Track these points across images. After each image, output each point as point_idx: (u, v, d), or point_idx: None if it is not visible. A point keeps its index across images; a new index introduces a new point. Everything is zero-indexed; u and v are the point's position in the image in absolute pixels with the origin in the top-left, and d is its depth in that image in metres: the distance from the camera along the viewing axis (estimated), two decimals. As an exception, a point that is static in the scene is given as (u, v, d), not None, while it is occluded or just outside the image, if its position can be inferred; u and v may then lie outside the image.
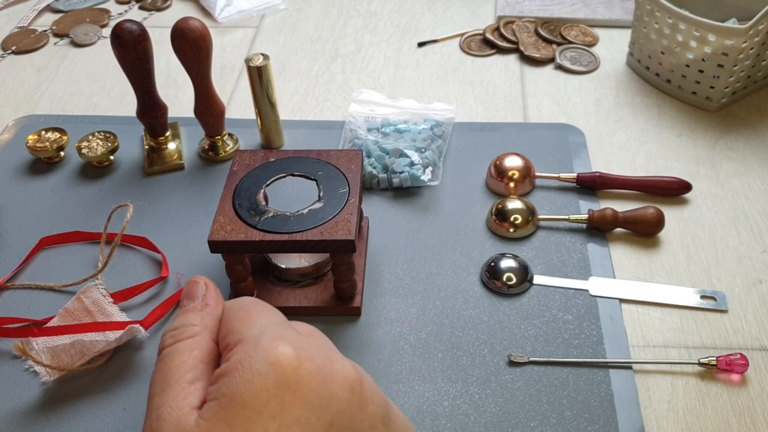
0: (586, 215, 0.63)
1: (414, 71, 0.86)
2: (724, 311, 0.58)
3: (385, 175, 0.68)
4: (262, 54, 0.68)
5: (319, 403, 0.29)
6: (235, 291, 0.57)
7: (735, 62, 0.72)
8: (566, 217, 0.64)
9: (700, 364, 0.53)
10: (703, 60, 0.75)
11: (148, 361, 0.55)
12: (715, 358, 0.53)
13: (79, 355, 0.54)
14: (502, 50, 0.89)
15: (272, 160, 0.58)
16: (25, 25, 0.98)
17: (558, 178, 0.68)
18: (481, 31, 0.92)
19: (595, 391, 0.52)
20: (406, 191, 0.68)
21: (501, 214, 0.64)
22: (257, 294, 0.58)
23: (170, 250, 0.64)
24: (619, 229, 0.64)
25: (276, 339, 0.30)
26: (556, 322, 0.57)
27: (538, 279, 0.60)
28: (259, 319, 0.33)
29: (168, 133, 0.73)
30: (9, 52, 0.93)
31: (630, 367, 0.54)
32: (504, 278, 0.59)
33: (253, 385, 0.28)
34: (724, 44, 0.72)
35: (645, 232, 0.63)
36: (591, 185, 0.67)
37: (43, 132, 0.74)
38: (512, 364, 0.54)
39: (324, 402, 0.29)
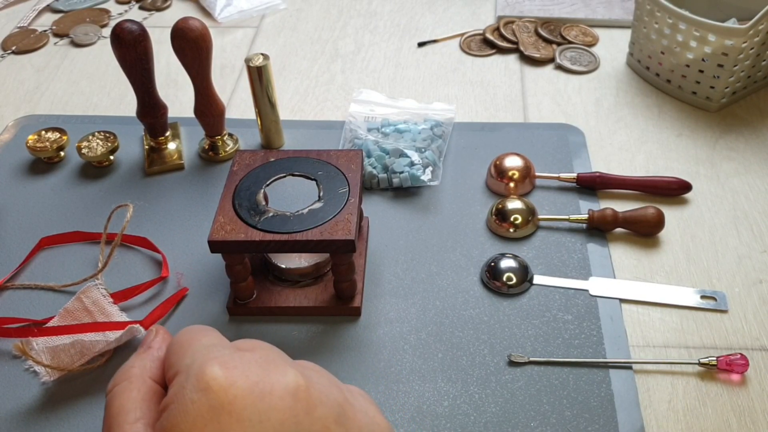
0: (586, 215, 0.63)
1: (414, 71, 0.86)
2: (724, 311, 0.58)
3: (385, 175, 0.68)
4: (262, 54, 0.68)
5: (258, 418, 0.29)
6: (235, 291, 0.57)
7: (735, 62, 0.72)
8: (566, 217, 0.64)
9: (700, 364, 0.53)
10: (703, 60, 0.75)
11: (148, 361, 0.55)
12: (715, 358, 0.53)
13: (79, 355, 0.54)
14: (502, 50, 0.89)
15: (272, 160, 0.58)
16: (25, 25, 0.98)
17: (558, 178, 0.68)
18: (481, 31, 0.92)
19: (595, 391, 0.52)
20: (406, 191, 0.68)
21: (501, 214, 0.64)
22: (257, 294, 0.58)
23: (170, 250, 0.64)
24: (619, 229, 0.64)
25: (205, 363, 0.30)
26: (556, 322, 0.57)
27: (538, 279, 0.60)
28: (192, 346, 0.32)
29: (168, 133, 0.73)
30: (9, 52, 0.93)
31: (630, 367, 0.54)
32: (504, 278, 0.59)
33: (188, 414, 0.29)
34: (724, 44, 0.72)
35: (645, 232, 0.63)
36: (591, 185, 0.67)
37: (43, 132, 0.74)
38: (512, 364, 0.54)
39: (263, 416, 0.29)
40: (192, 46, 0.64)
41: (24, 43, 0.94)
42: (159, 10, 1.01)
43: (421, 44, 0.91)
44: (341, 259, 0.54)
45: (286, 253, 0.59)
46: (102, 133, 0.73)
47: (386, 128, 0.72)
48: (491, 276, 0.59)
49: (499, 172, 0.67)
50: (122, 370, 0.33)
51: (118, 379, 0.33)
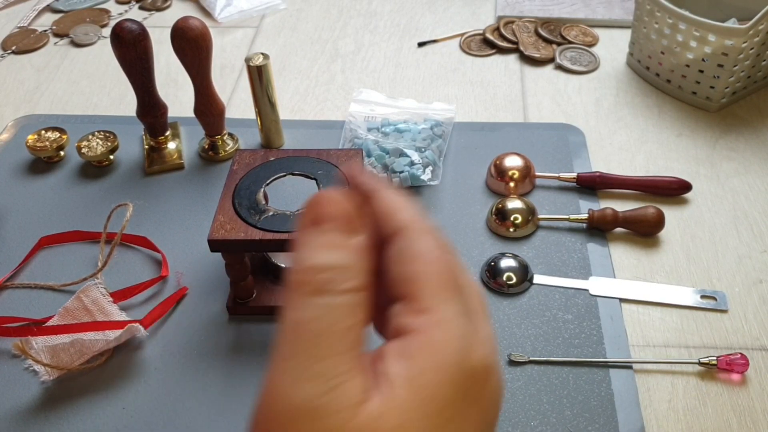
0: (586, 215, 0.63)
1: (414, 71, 0.86)
2: (724, 311, 0.58)
3: (385, 174, 0.68)
4: (262, 54, 0.68)
5: (491, 420, 0.26)
6: (235, 290, 0.57)
7: (735, 62, 0.72)
8: (566, 216, 0.64)
9: (700, 363, 0.53)
10: (703, 60, 0.75)
11: (148, 360, 0.55)
12: (715, 358, 0.53)
13: (79, 354, 0.54)
14: (502, 50, 0.89)
15: (272, 159, 0.58)
16: (25, 25, 0.98)
17: (558, 178, 0.68)
18: (481, 31, 0.92)
19: (595, 390, 0.52)
20: (406, 191, 0.68)
21: (501, 214, 0.64)
22: (257, 293, 0.58)
23: (170, 249, 0.64)
24: (619, 229, 0.64)
25: (470, 338, 0.25)
26: (556, 321, 0.57)
27: (538, 278, 0.60)
28: (459, 288, 0.26)
29: (168, 133, 0.73)
30: (9, 52, 0.93)
31: (630, 367, 0.53)
32: (504, 278, 0.59)
33: (440, 388, 0.23)
34: (724, 44, 0.72)
35: (645, 231, 0.63)
36: (591, 185, 0.67)
37: (43, 132, 0.74)
38: (512, 363, 0.54)
39: (495, 415, 0.26)
40: (192, 46, 0.64)
41: (24, 42, 0.94)
42: (159, 9, 1.01)
43: (421, 44, 0.91)
44: (341, 259, 0.54)
45: (285, 253, 0.59)
46: (102, 133, 0.73)
47: (386, 128, 0.72)
48: (491, 275, 0.59)
49: (499, 171, 0.67)
50: (338, 268, 0.24)
51: (338, 284, 0.24)
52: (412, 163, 0.67)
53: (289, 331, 0.24)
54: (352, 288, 0.24)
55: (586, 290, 0.59)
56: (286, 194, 0.66)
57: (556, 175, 0.68)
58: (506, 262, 0.60)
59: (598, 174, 0.67)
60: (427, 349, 0.24)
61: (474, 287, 0.28)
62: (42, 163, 0.74)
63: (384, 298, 0.26)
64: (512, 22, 0.92)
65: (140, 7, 1.01)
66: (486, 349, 0.25)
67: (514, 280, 0.59)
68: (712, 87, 0.75)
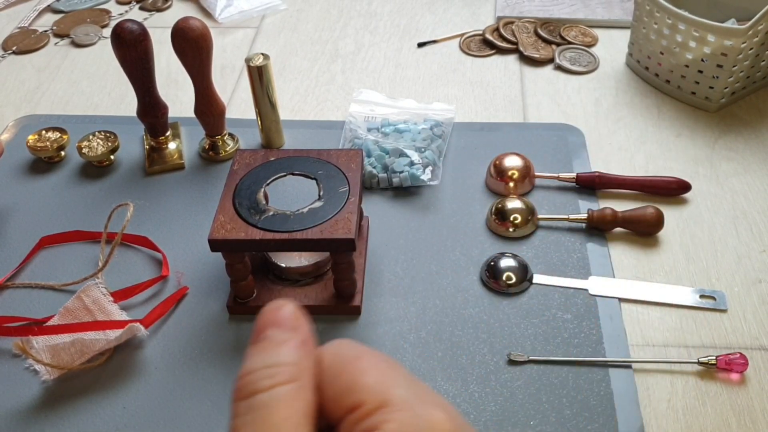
0: (586, 215, 0.63)
1: (414, 71, 0.87)
2: (724, 311, 0.58)
3: (385, 174, 0.68)
4: (262, 54, 0.68)
5: None
6: (236, 290, 0.57)
7: (734, 62, 0.73)
8: (566, 216, 0.64)
9: (699, 363, 0.53)
10: (702, 60, 0.75)
11: (148, 360, 0.55)
12: (714, 358, 0.53)
13: (79, 354, 0.54)
14: (501, 51, 0.89)
15: (272, 159, 0.59)
16: (26, 25, 0.98)
17: (557, 178, 0.68)
18: (480, 32, 0.92)
19: (594, 390, 0.52)
20: (406, 191, 0.68)
21: (501, 214, 0.64)
22: (257, 293, 0.58)
23: (170, 249, 0.64)
24: (618, 229, 0.64)
25: (429, 405, 0.25)
26: (555, 321, 0.57)
27: (537, 278, 0.60)
28: (393, 373, 0.26)
29: (168, 133, 0.74)
30: (10, 52, 0.93)
31: (629, 366, 0.54)
32: (504, 277, 0.59)
33: None
34: (724, 45, 0.72)
35: (644, 231, 0.63)
36: (590, 185, 0.68)
37: (44, 132, 0.74)
38: (512, 363, 0.54)
39: None
40: (192, 46, 0.64)
41: (25, 43, 0.94)
42: (159, 10, 1.01)
43: (420, 44, 0.91)
44: (341, 258, 0.54)
45: (286, 252, 0.59)
46: (102, 133, 0.73)
47: (386, 128, 0.72)
48: (491, 275, 0.59)
49: (499, 171, 0.68)
50: (280, 365, 0.25)
51: (280, 378, 0.25)
52: (411, 163, 0.68)
53: (249, 423, 0.24)
54: (280, 382, 0.25)
55: (586, 290, 0.59)
56: (287, 194, 0.66)
57: (556, 175, 0.68)
58: (506, 262, 0.60)
59: (597, 174, 0.67)
60: None
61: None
62: (43, 163, 0.74)
63: None
64: (512, 23, 0.92)
65: (141, 8, 1.02)
66: (445, 423, 0.25)
67: (514, 279, 0.59)
68: (711, 87, 0.76)
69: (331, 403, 0.25)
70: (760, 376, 0.53)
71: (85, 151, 0.72)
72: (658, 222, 0.63)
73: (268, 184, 0.57)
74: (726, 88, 0.75)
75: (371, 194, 0.68)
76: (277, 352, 0.26)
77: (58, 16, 1.00)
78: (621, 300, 0.59)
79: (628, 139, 0.75)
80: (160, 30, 0.94)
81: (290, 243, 0.52)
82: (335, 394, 0.25)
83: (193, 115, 0.71)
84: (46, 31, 0.97)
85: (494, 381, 0.53)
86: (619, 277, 0.61)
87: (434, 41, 0.92)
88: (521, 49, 0.88)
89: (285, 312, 0.27)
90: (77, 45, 0.94)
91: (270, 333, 0.26)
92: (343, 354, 0.26)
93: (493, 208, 0.64)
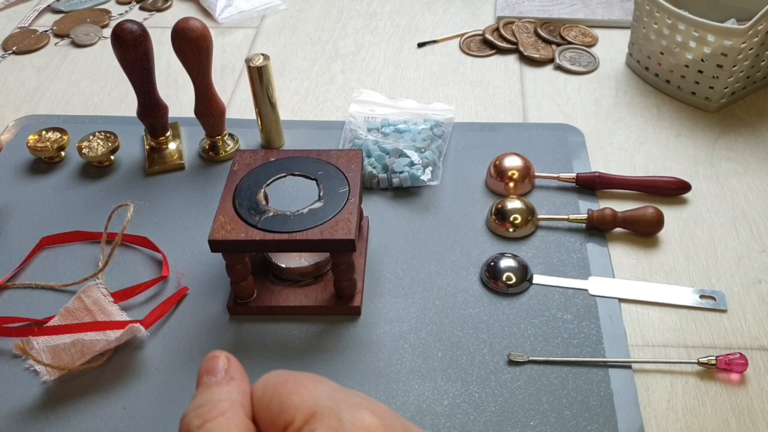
0: (586, 215, 0.63)
1: (414, 71, 0.87)
2: (724, 311, 0.58)
3: (385, 175, 0.68)
4: (262, 54, 0.68)
5: None
6: (236, 290, 0.58)
7: (734, 63, 0.73)
8: (566, 216, 0.64)
9: (699, 363, 0.53)
10: (702, 60, 0.75)
11: (149, 360, 0.55)
12: (714, 358, 0.53)
13: (80, 354, 0.54)
14: (501, 51, 0.89)
15: (272, 159, 0.59)
16: (26, 25, 0.98)
17: (557, 178, 0.68)
18: (480, 32, 0.92)
19: (594, 390, 0.52)
20: (406, 191, 0.69)
21: (501, 214, 0.64)
22: (257, 293, 0.59)
23: (170, 249, 0.64)
24: (618, 229, 0.64)
25: (355, 408, 0.27)
26: (555, 321, 0.57)
27: (537, 278, 0.60)
28: (317, 386, 0.28)
29: (168, 133, 0.74)
30: (10, 52, 0.93)
31: (629, 367, 0.54)
32: (504, 278, 0.59)
33: None
34: (723, 45, 0.72)
35: (644, 231, 0.63)
36: (590, 185, 0.68)
37: (44, 132, 0.74)
38: (512, 363, 0.54)
39: None
40: (192, 47, 0.64)
41: (25, 43, 0.94)
42: (159, 10, 1.01)
43: (420, 45, 0.91)
44: (341, 259, 0.55)
45: (286, 253, 0.59)
46: (102, 133, 0.74)
47: (386, 128, 0.72)
48: (491, 275, 0.59)
49: (499, 172, 0.68)
50: (209, 403, 0.28)
51: (209, 415, 0.28)
52: (411, 164, 0.68)
53: None
54: (210, 418, 0.27)
55: (586, 290, 0.59)
56: (287, 194, 0.66)
57: (556, 175, 0.68)
58: (506, 262, 0.60)
59: (597, 174, 0.67)
60: None
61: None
62: (43, 163, 0.74)
63: None
64: (512, 23, 0.92)
65: (141, 8, 1.02)
66: (368, 414, 0.27)
67: (514, 280, 0.59)
68: (711, 87, 0.76)
69: (268, 428, 0.28)
70: (759, 377, 0.53)
71: (85, 151, 0.72)
72: (658, 222, 0.63)
73: (268, 185, 0.57)
74: (726, 88, 0.75)
75: (371, 194, 0.68)
76: (206, 393, 0.29)
77: (58, 16, 1.00)
78: (621, 300, 0.59)
79: (627, 139, 0.75)
80: (160, 30, 0.94)
81: (290, 243, 0.52)
82: (269, 419, 0.28)
83: (193, 115, 0.71)
84: (46, 31, 0.97)
85: (494, 381, 0.53)
86: (619, 277, 0.61)
87: (434, 41, 0.92)
88: (521, 49, 0.88)
89: (218, 361, 0.31)
90: (77, 45, 0.94)
91: (205, 379, 0.30)
92: (271, 381, 0.29)
93: (493, 209, 0.64)
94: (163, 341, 0.57)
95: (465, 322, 0.57)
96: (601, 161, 0.72)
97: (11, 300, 0.61)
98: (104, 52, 0.93)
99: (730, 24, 0.80)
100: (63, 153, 0.74)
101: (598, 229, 0.64)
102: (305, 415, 0.27)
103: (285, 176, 0.58)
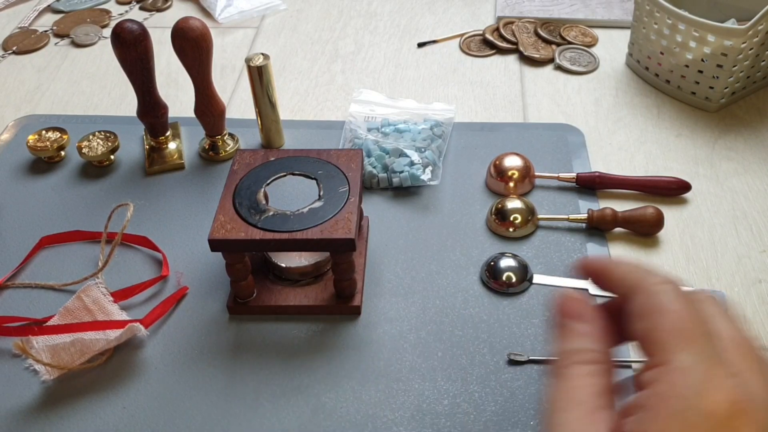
0: (586, 215, 0.63)
1: (414, 71, 0.87)
2: (724, 310, 0.58)
3: (385, 174, 0.68)
4: (262, 54, 0.68)
5: None
6: (236, 290, 0.58)
7: (734, 63, 0.73)
8: (566, 216, 0.64)
9: (699, 363, 0.53)
10: (702, 60, 0.75)
11: (149, 359, 0.55)
12: (714, 357, 0.53)
13: (79, 354, 0.54)
14: (501, 51, 0.89)
15: (272, 159, 0.59)
16: (26, 25, 0.98)
17: (557, 178, 0.68)
18: (480, 32, 0.92)
19: (594, 389, 0.52)
20: (406, 191, 0.69)
21: (501, 214, 0.64)
22: (257, 293, 0.58)
23: (170, 249, 0.64)
24: (618, 229, 0.64)
25: (708, 382, 0.26)
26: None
27: (537, 278, 0.60)
28: (703, 336, 0.28)
29: (168, 133, 0.74)
30: (10, 52, 0.93)
31: (629, 366, 0.54)
32: (504, 277, 0.59)
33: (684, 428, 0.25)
34: (724, 45, 0.72)
35: (644, 231, 0.63)
36: (590, 185, 0.68)
37: (44, 132, 0.74)
38: (512, 363, 0.54)
39: None
40: (192, 46, 0.64)
41: (25, 43, 0.94)
42: (159, 10, 1.01)
43: (420, 44, 0.91)
44: (341, 258, 0.54)
45: (286, 252, 0.59)
46: (102, 133, 0.74)
47: (386, 128, 0.72)
48: (491, 275, 0.59)
49: (499, 171, 0.68)
50: (583, 351, 0.31)
51: (580, 358, 0.30)
52: (412, 163, 0.68)
53: (552, 392, 0.31)
54: (590, 360, 0.30)
55: (586, 290, 0.59)
56: (287, 194, 0.66)
57: (556, 175, 0.68)
58: (506, 262, 0.60)
59: (597, 174, 0.67)
60: (657, 400, 0.26)
61: (730, 332, 0.30)
62: (43, 163, 0.74)
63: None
64: (512, 23, 0.92)
65: (141, 8, 1.02)
66: (726, 392, 0.26)
67: (514, 279, 0.59)
68: (711, 87, 0.76)
69: (636, 339, 0.30)
70: (760, 376, 0.53)
71: (85, 151, 0.72)
72: (658, 222, 0.63)
73: (268, 184, 0.57)
74: (726, 88, 0.75)
75: (371, 194, 0.68)
76: (579, 340, 0.32)
77: (58, 16, 1.00)
78: (621, 300, 0.59)
79: (627, 139, 0.75)
80: (160, 30, 0.94)
81: (290, 243, 0.52)
82: (637, 336, 0.30)
83: (193, 115, 0.71)
84: (46, 31, 0.97)
85: (494, 381, 0.53)
86: (619, 277, 0.61)
87: (434, 41, 0.92)
88: (521, 49, 0.88)
89: (577, 303, 0.33)
90: (77, 45, 0.94)
91: (563, 320, 0.33)
92: (645, 300, 0.30)
93: (493, 208, 0.64)
94: (162, 341, 0.57)
95: (465, 321, 0.57)
96: (601, 161, 0.72)
97: (11, 299, 0.61)
98: (104, 52, 0.93)
99: (730, 24, 0.80)
100: (63, 153, 0.74)
101: (598, 229, 0.64)
102: (659, 360, 0.28)
103: (285, 176, 0.58)
